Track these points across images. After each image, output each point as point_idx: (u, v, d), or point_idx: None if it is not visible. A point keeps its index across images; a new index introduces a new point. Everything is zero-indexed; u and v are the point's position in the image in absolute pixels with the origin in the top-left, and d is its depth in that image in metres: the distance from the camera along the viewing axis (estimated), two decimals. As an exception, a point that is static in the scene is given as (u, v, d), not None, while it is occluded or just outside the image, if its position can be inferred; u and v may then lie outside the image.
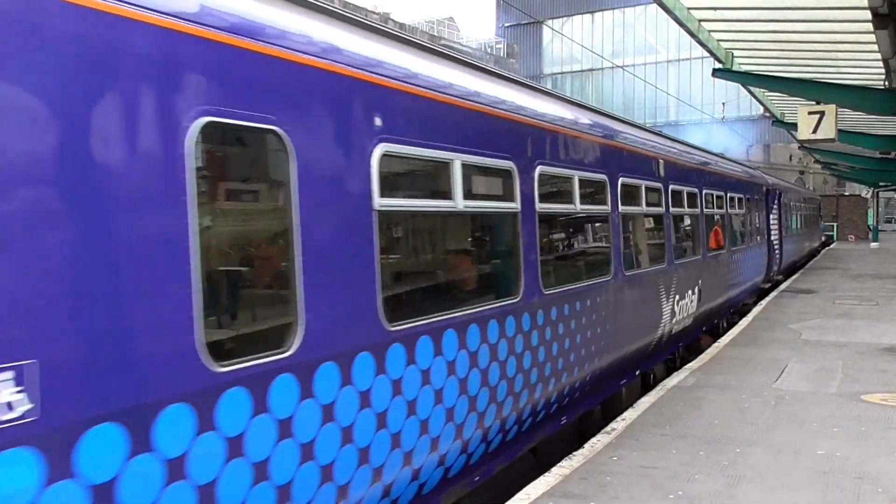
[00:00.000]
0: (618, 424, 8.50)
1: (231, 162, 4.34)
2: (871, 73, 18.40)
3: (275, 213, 4.43)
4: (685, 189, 12.48)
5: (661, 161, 11.18)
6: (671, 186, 11.58)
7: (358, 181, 4.75)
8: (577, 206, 8.29)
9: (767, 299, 20.09)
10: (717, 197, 14.99)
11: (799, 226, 31.72)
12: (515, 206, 6.73)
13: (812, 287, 22.85)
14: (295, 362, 4.14)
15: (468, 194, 6.04)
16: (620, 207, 9.32)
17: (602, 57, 48.52)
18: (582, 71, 68.40)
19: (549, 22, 61.64)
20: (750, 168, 21.84)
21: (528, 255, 6.89)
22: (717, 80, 21.27)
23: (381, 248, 4.91)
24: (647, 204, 10.61)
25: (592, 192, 8.86)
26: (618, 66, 50.33)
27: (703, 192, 13.70)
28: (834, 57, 18.38)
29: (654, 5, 15.60)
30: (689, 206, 12.73)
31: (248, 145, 4.32)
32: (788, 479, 6.67)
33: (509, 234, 6.88)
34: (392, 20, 48.42)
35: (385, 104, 5.07)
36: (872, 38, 13.89)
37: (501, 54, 63.46)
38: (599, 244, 9.40)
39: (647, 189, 10.56)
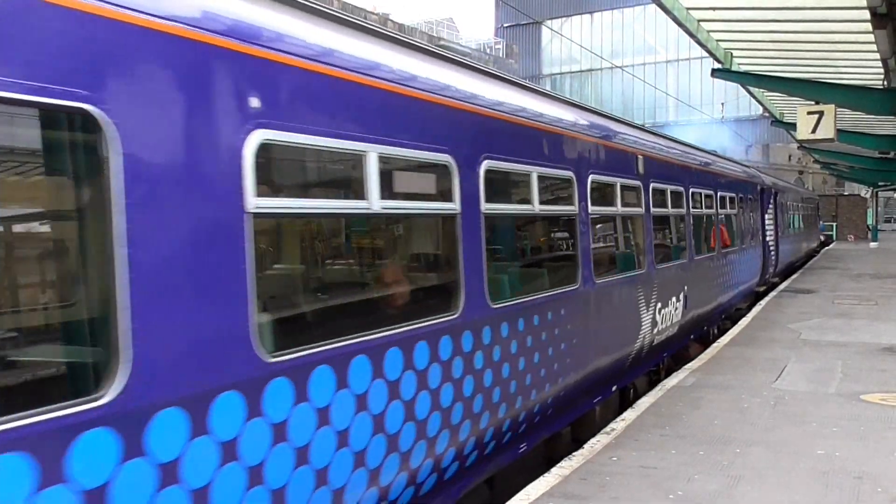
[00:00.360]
0: (617, 425, 8.49)
1: (10, 152, 3.34)
2: (869, 72, 18.41)
3: (84, 217, 3.45)
4: (669, 188, 11.51)
5: (640, 157, 10.18)
6: (653, 185, 10.58)
7: (222, 177, 3.81)
8: (536, 207, 7.28)
9: (767, 299, 20.09)
10: (707, 196, 13.98)
11: (796, 226, 30.73)
12: (454, 207, 5.75)
13: (811, 287, 22.86)
14: (114, 412, 3.19)
15: (388, 193, 5.10)
16: (591, 208, 8.34)
17: (601, 57, 48.54)
18: (581, 71, 68.41)
19: (548, 22, 61.63)
20: (745, 166, 20.89)
21: (471, 265, 5.85)
22: (716, 80, 21.28)
23: (258, 260, 4.00)
24: (624, 204, 9.63)
25: (555, 191, 7.97)
26: (617, 67, 50.33)
27: (691, 190, 12.69)
28: (833, 57, 18.39)
29: (653, 5, 15.61)
30: (673, 207, 11.78)
31: (42, 129, 3.34)
32: (788, 479, 6.68)
33: (446, 241, 5.96)
34: (391, 20, 48.44)
35: (265, 81, 4.10)
36: (871, 37, 13.90)
37: (500, 55, 63.45)
38: (565, 250, 8.48)
39: (624, 188, 9.58)
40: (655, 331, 10.54)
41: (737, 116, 56.61)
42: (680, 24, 16.14)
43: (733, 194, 16.33)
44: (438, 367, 5.42)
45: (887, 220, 78.90)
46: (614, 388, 9.64)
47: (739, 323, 16.01)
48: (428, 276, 6.42)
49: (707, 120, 51.32)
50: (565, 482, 6.72)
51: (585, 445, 7.80)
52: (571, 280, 7.93)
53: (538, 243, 8.72)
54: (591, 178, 8.41)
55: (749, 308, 18.60)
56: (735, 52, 19.44)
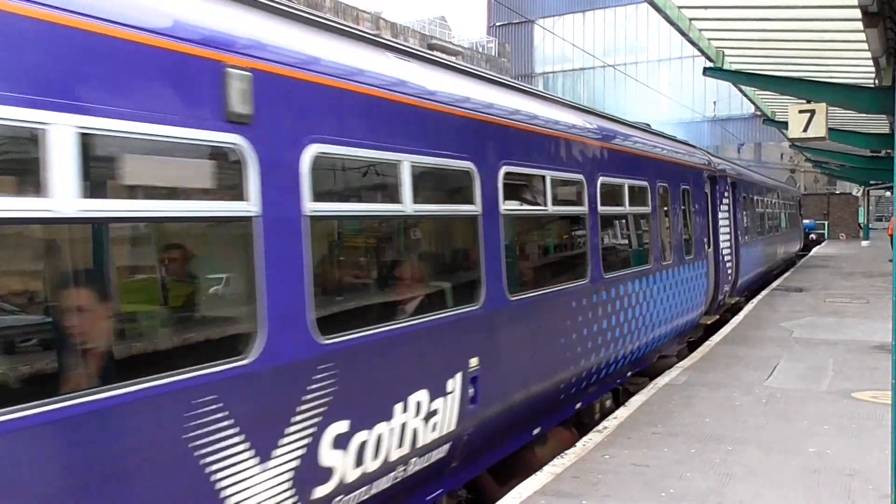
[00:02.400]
0: (610, 423, 8.51)
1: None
2: (861, 71, 18.47)
3: None
4: (408, 161, 5.57)
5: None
6: (314, 150, 4.73)
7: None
8: None
9: (758, 298, 20.15)
10: (565, 183, 8.32)
11: (769, 227, 25.13)
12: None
13: (803, 285, 22.94)
14: None
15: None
16: None
17: (593, 56, 48.58)
18: (573, 70, 68.49)
19: (541, 21, 61.66)
20: (684, 144, 15.00)
21: None
22: (708, 78, 21.32)
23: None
24: (140, 194, 3.97)
25: None
26: (609, 66, 50.39)
27: (503, 170, 6.87)
28: (824, 55, 18.44)
29: (645, 4, 15.62)
30: (428, 201, 6.02)
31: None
32: (779, 477, 6.69)
33: None
34: (383, 19, 48.37)
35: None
36: (863, 36, 13.94)
37: (493, 53, 63.46)
38: None
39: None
40: (338, 479, 4.80)
41: (728, 115, 56.78)
42: (671, 23, 16.14)
43: (644, 182, 10.65)
44: None
45: (878, 219, 79.24)
46: None
47: (731, 322, 16.04)
48: None
49: (699, 118, 51.46)
50: (557, 480, 6.72)
51: (578, 444, 7.81)
52: None
53: None
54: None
55: (689, 349, 13.47)
56: (727, 51, 19.47)
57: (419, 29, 55.55)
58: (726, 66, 20.14)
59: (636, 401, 9.47)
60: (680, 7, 16.07)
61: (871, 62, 16.40)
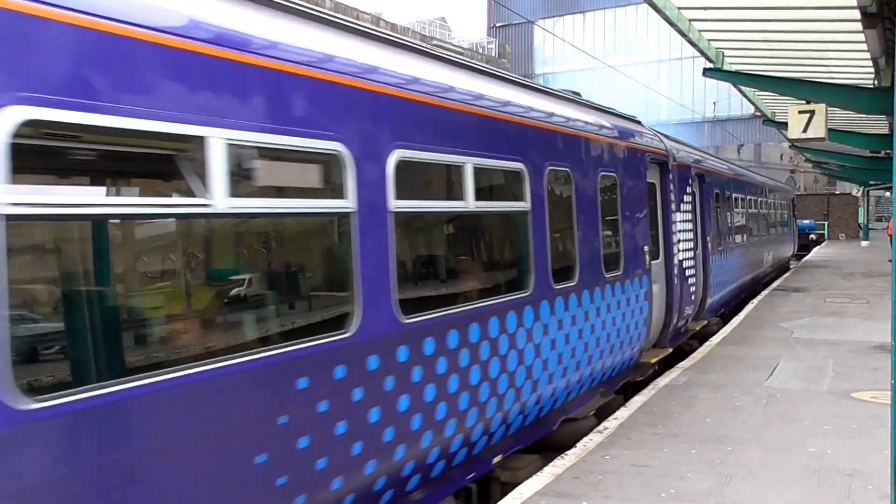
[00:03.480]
0: (610, 423, 8.52)
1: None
2: (860, 72, 18.49)
3: None
4: None
5: None
6: None
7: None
8: None
9: (759, 298, 20.16)
10: (289, 156, 4.79)
11: (754, 230, 21.63)
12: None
13: (803, 286, 22.95)
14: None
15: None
16: None
17: (593, 57, 48.60)
18: (574, 71, 68.53)
19: (541, 22, 61.69)
20: (618, 116, 10.85)
21: None
22: (708, 79, 21.33)
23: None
24: None
25: None
26: (609, 66, 50.41)
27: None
28: (824, 56, 18.46)
29: (645, 5, 15.64)
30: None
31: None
32: (780, 477, 6.70)
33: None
34: (383, 20, 48.39)
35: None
36: (862, 37, 13.95)
37: (493, 54, 63.48)
38: None
39: None
40: None
41: (728, 115, 56.81)
42: (671, 24, 16.17)
43: (516, 164, 7.12)
44: None
45: (878, 219, 79.22)
46: None
47: (732, 322, 16.04)
48: None
49: (699, 119, 51.46)
50: (558, 481, 6.73)
51: (578, 444, 7.82)
52: None
53: None
54: None
55: (625, 398, 10.15)
56: (726, 52, 19.49)
57: (419, 30, 55.58)
58: (726, 67, 20.17)
59: (636, 401, 9.48)
60: (680, 8, 16.10)
61: (870, 63, 16.41)
